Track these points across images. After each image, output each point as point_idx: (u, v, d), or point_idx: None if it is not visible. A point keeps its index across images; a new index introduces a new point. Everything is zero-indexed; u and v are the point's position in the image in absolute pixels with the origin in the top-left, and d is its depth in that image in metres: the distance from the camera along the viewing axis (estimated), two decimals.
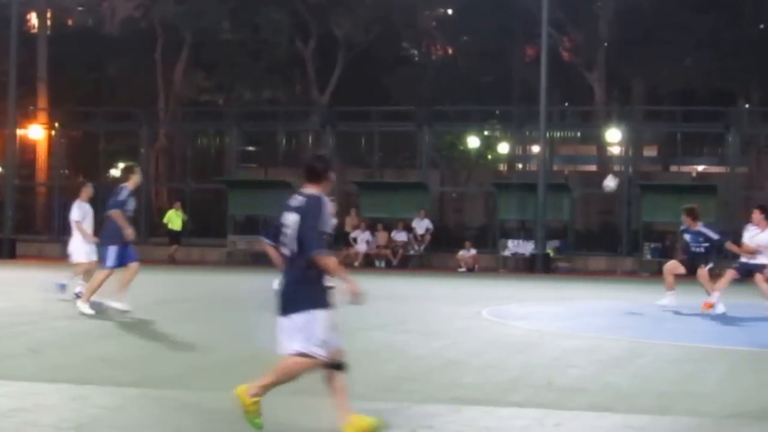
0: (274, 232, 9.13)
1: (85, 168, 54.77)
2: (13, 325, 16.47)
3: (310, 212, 8.98)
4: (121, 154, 55.21)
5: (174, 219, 41.72)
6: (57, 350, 13.68)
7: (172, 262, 39.66)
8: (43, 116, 52.02)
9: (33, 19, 58.31)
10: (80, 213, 21.00)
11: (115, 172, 57.03)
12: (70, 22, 61.84)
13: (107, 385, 10.92)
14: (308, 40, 54.40)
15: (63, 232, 46.60)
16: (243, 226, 44.81)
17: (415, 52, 64.35)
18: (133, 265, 18.43)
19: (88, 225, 20.97)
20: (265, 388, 8.94)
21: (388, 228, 41.57)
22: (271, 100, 56.77)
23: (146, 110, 51.38)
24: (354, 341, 15.57)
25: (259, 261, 41.94)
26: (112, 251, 18.32)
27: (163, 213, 44.60)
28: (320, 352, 8.85)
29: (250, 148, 55.74)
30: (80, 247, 20.68)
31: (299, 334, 8.85)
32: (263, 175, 48.93)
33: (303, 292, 8.99)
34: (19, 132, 48.82)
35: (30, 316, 17.84)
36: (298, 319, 8.88)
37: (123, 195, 18.55)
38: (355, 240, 41.44)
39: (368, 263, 40.69)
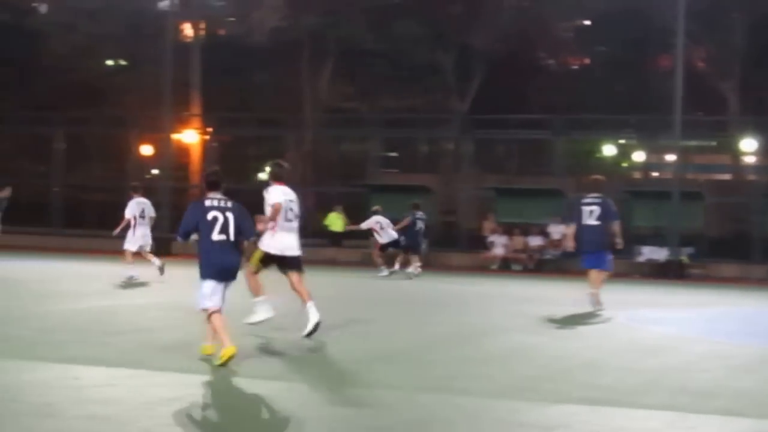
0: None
1: (235, 171, 55.52)
2: (167, 319, 16.74)
3: (243, 210, 12.77)
4: (268, 158, 55.74)
5: (335, 221, 42.01)
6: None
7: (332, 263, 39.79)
8: (196, 122, 52.93)
9: (187, 29, 59.32)
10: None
11: (263, 175, 57.82)
12: (221, 32, 62.74)
13: (254, 377, 11.08)
14: (448, 50, 54.42)
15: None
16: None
17: (552, 61, 63.99)
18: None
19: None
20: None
21: (525, 233, 41.46)
22: (411, 107, 56.90)
23: (293, 117, 51.99)
24: (492, 342, 15.63)
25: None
26: (610, 257, 21.26)
27: (312, 216, 45.07)
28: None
29: (392, 154, 55.94)
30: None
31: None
32: (403, 180, 49.03)
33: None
34: (175, 136, 49.77)
35: (182, 311, 18.11)
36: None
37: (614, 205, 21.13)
38: (492, 244, 41.44)
39: (505, 267, 40.70)
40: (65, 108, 54.23)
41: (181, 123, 51.67)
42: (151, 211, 26.07)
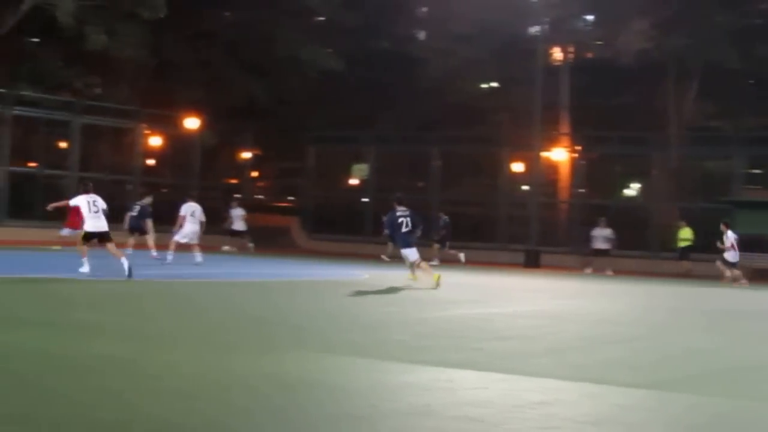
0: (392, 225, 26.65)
1: (601, 188, 55.25)
2: (536, 327, 16.84)
3: (414, 215, 26.14)
4: (633, 175, 55.30)
5: (684, 235, 41.93)
6: (574, 351, 13.77)
7: (688, 276, 38.90)
8: (565, 140, 53.01)
9: (556, 52, 59.49)
10: None
11: (629, 192, 57.27)
12: (589, 55, 62.50)
13: (621, 385, 10.86)
14: None
15: (581, 245, 47.42)
16: (749, 244, 43.74)
17: None
18: None
19: None
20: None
21: None
22: None
23: (657, 135, 51.18)
24: None
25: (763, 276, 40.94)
26: None
27: (666, 230, 44.71)
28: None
29: (755, 171, 54.10)
30: None
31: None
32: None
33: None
34: (544, 154, 50.06)
35: (548, 320, 18.22)
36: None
37: None
38: None
39: None
40: (441, 127, 55.63)
41: (550, 141, 51.88)
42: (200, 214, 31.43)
